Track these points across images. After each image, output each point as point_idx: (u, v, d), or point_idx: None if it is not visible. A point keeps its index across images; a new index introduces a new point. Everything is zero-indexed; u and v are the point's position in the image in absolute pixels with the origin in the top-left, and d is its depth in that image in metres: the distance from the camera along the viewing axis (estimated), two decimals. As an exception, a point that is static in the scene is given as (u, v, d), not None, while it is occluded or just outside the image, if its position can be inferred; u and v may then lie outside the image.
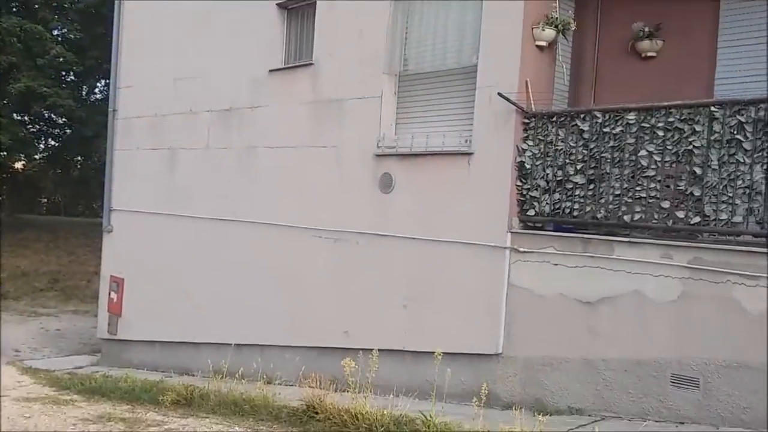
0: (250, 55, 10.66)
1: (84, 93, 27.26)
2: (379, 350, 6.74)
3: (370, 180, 8.96)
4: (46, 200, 31.43)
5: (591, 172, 6.97)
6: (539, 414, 5.75)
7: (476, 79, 7.89)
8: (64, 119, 26.04)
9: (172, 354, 11.29)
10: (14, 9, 23.90)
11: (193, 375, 9.96)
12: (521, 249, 7.33)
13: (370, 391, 6.60)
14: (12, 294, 19.15)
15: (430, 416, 5.92)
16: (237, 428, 6.79)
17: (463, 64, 8.21)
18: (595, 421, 6.48)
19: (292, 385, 8.52)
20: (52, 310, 18.05)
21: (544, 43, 7.66)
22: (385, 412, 6.27)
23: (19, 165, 27.09)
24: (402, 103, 9.09)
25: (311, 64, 9.89)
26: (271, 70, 10.40)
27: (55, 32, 24.92)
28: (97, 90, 27.52)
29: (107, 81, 22.54)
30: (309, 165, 9.81)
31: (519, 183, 7.48)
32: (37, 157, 26.77)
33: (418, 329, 8.26)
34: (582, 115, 7.14)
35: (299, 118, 9.99)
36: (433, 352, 6.29)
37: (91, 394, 9.12)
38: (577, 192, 7.05)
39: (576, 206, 7.05)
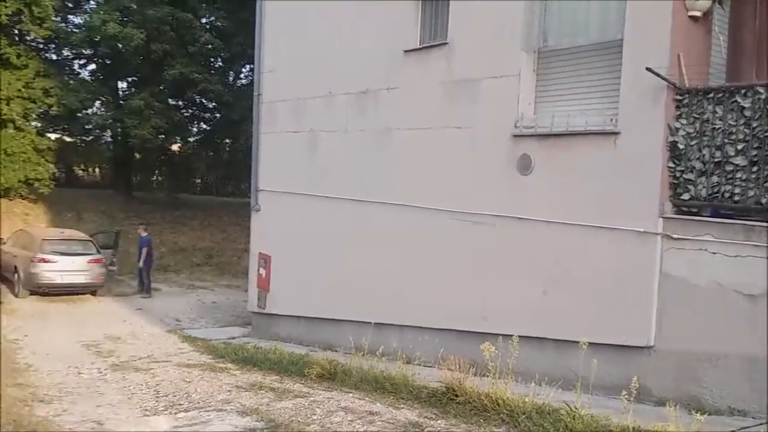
0: (386, 37, 10.73)
1: (231, 78, 28.78)
2: (518, 336, 6.64)
3: (508, 161, 8.77)
4: (199, 180, 33.55)
5: (754, 153, 6.39)
6: (696, 413, 5.42)
7: (622, 53, 7.45)
8: (214, 104, 27.73)
9: (316, 329, 11.82)
10: (166, -1, 25.67)
11: (336, 351, 10.36)
12: (675, 236, 6.88)
13: (511, 378, 6.54)
14: (173, 268, 20.89)
15: (575, 407, 5.76)
16: (378, 404, 6.99)
17: (607, 38, 7.78)
18: (761, 424, 6.01)
19: (430, 366, 8.62)
20: (207, 284, 19.50)
21: (698, 14, 7.08)
22: (526, 400, 6.19)
23: (175, 147, 29.15)
24: (541, 80, 8.79)
25: (445, 43, 9.81)
26: (406, 51, 10.43)
27: (204, 20, 26.40)
28: (242, 75, 29.01)
29: (252, 66, 23.78)
30: (444, 146, 9.77)
31: (671, 165, 7.00)
32: (191, 139, 28.77)
33: (559, 317, 8.03)
34: (743, 91, 6.55)
35: (434, 98, 9.96)
36: (577, 342, 6.10)
37: (243, 363, 9.80)
38: (739, 174, 6.50)
39: (737, 190, 6.50)
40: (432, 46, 10.13)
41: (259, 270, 13.03)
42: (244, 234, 18.93)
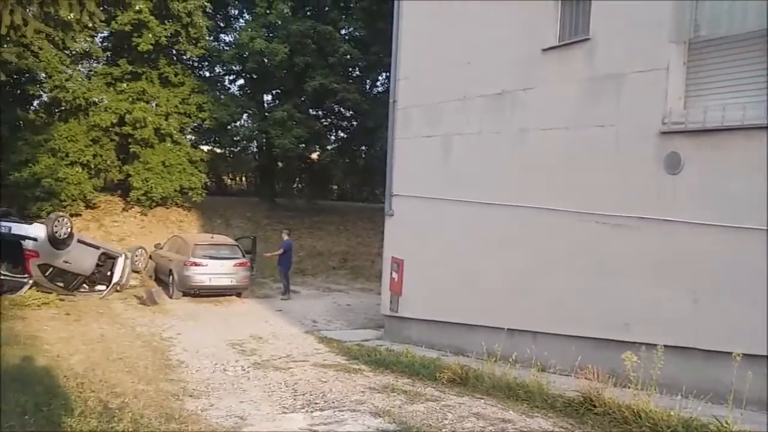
0: (522, 36, 10.50)
1: (367, 87, 29.48)
2: (663, 346, 6.18)
3: (654, 160, 8.23)
4: (336, 187, 34.66)
5: None
6: None
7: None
8: (351, 112, 28.55)
9: (447, 333, 11.73)
10: (308, 13, 26.74)
11: (467, 356, 10.22)
12: None
13: (654, 389, 6.11)
14: (310, 271, 21.71)
15: (727, 423, 5.26)
16: (511, 412, 6.79)
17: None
18: None
19: (566, 375, 8.26)
20: (342, 287, 20.07)
21: None
22: (671, 413, 5.74)
23: (314, 156, 30.30)
24: (692, 73, 8.17)
25: (587, 39, 9.40)
26: (544, 49, 10.13)
27: (343, 31, 27.28)
28: (378, 83, 29.66)
29: (388, 74, 24.22)
30: (583, 146, 9.37)
31: None
32: (329, 148, 29.79)
33: (709, 326, 7.40)
34: None
35: (573, 97, 9.59)
36: (729, 353, 5.57)
37: (376, 365, 9.92)
38: None
39: None
40: (572, 43, 9.76)
41: (391, 274, 13.17)
42: (377, 238, 19.27)
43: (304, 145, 26.66)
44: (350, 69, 28.17)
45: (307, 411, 7.07)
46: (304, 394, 7.92)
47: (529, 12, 10.44)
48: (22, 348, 9.20)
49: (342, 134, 30.83)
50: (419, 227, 12.65)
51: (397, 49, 13.56)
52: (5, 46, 6.65)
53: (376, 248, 20.34)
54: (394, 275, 13.03)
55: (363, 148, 30.34)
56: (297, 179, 31.44)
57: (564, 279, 9.49)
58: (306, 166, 30.34)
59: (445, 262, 11.88)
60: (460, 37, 11.79)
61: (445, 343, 11.53)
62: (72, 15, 6.66)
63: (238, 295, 17.13)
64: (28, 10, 6.04)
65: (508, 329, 9.85)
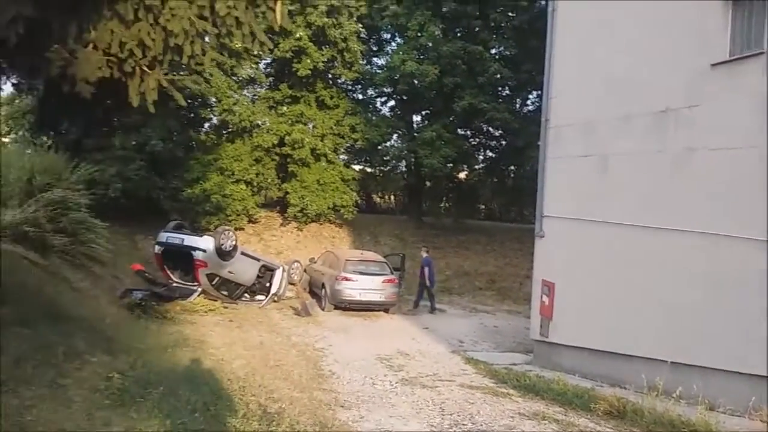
0: (687, 51, 9.86)
1: (517, 105, 29.03)
2: None
3: None
4: (483, 207, 34.31)
5: None
6: None
7: None
8: (500, 131, 28.23)
9: (602, 362, 11.13)
10: (458, 34, 26.92)
11: (624, 388, 9.62)
12: None
13: None
14: (456, 290, 21.61)
15: None
16: (676, 452, 6.29)
17: None
18: None
19: (738, 415, 7.52)
20: (489, 308, 19.76)
21: None
22: None
23: (462, 175, 30.25)
24: None
25: (762, 53, 8.62)
26: (713, 65, 9.42)
27: (493, 51, 27.14)
28: (529, 102, 29.10)
29: (539, 92, 23.69)
30: (761, 167, 8.53)
31: None
32: (477, 167, 29.63)
33: None
34: None
35: (747, 114, 8.79)
36: None
37: (525, 390, 9.63)
38: None
39: None
40: (746, 57, 9.01)
41: (542, 297, 12.76)
42: (526, 260, 18.80)
43: (451, 164, 26.72)
44: (500, 88, 27.89)
45: (455, 431, 6.99)
46: (451, 414, 7.86)
47: (694, 26, 9.78)
48: (191, 350, 9.95)
49: (490, 153, 30.52)
50: (572, 250, 12.17)
51: (549, 66, 13.24)
52: (182, 74, 7.35)
53: (525, 270, 19.84)
54: (545, 299, 12.61)
55: (512, 167, 29.83)
56: (444, 198, 31.51)
57: (737, 311, 8.66)
58: (453, 186, 30.36)
59: (600, 288, 11.32)
60: (618, 53, 11.28)
61: (600, 372, 10.94)
62: (243, 44, 7.17)
63: (386, 311, 17.43)
64: (206, 40, 6.57)
65: (671, 362, 9.16)
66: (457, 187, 30.48)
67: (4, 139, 27.68)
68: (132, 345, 8.28)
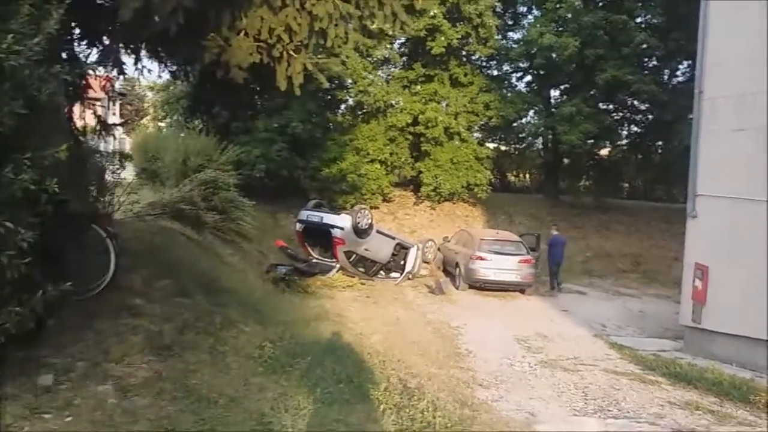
0: None
1: (665, 77, 27.14)
2: None
3: None
4: (627, 185, 32.58)
5: None
6: None
7: None
8: (646, 105, 26.58)
9: (762, 352, 10.22)
10: (600, 4, 25.54)
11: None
12: None
13: None
14: (597, 272, 20.74)
15: None
16: None
17: None
18: None
19: None
20: (633, 291, 18.78)
21: None
22: None
23: (603, 152, 28.84)
24: None
25: None
26: None
27: (639, 20, 25.50)
28: (678, 72, 27.07)
29: (690, 62, 21.95)
30: None
31: None
32: (620, 143, 28.14)
33: None
34: None
35: None
36: None
37: (675, 379, 9.06)
38: None
39: None
40: None
41: (693, 281, 11.89)
42: (674, 241, 17.67)
43: (592, 140, 25.58)
44: (646, 59, 26.17)
45: (599, 417, 6.75)
46: (595, 399, 7.57)
47: None
48: (331, 324, 10.31)
49: (635, 128, 28.82)
50: (728, 231, 11.22)
51: (704, 34, 12.17)
52: (320, 57, 7.53)
53: (673, 252, 18.60)
54: (697, 283, 11.75)
55: (659, 143, 28.03)
56: (584, 176, 30.25)
57: None
58: (594, 163, 29.06)
59: (761, 272, 10.34)
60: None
61: (760, 363, 10.05)
62: (385, 25, 7.21)
63: (522, 291, 17.09)
64: (349, 23, 6.66)
65: None
66: (598, 164, 29.15)
67: (160, 124, 30.15)
68: (278, 317, 8.71)
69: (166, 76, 8.90)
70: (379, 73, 25.74)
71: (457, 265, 17.56)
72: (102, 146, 9.95)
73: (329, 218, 15.70)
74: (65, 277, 4.75)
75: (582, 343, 11.93)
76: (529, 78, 28.74)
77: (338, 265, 15.48)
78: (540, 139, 28.22)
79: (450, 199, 25.03)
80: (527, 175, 35.48)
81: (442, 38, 23.03)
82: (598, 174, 29.24)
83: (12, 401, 4.02)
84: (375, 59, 25.05)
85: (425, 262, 18.38)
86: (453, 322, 12.80)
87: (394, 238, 16.87)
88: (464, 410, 6.20)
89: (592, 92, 24.96)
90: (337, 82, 24.53)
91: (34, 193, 3.78)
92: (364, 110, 25.19)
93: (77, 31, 7.09)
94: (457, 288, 17.08)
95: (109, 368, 4.88)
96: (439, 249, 19.61)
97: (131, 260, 8.15)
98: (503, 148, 30.24)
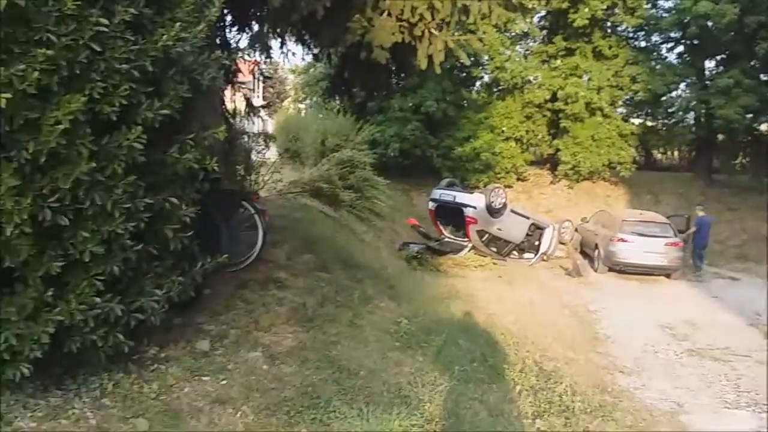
0: None
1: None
2: None
3: None
4: (792, 163, 29.62)
5: None
6: None
7: None
8: (813, 74, 23.90)
9: None
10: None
11: None
12: None
13: None
14: (754, 257, 19.03)
15: None
16: None
17: None
18: None
19: None
20: (791, 278, 17.07)
21: None
22: None
23: (764, 127, 26.34)
24: None
25: None
26: None
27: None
28: None
29: None
30: None
31: None
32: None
33: None
34: None
35: None
36: None
37: None
38: None
39: None
40: None
41: None
42: None
43: (751, 115, 23.39)
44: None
45: (753, 411, 6.25)
46: (748, 392, 7.02)
47: None
48: (464, 303, 10.31)
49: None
50: None
51: None
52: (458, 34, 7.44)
53: None
54: None
55: None
56: (740, 153, 27.78)
57: None
58: (752, 139, 26.55)
59: None
60: None
61: None
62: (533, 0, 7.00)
63: (668, 276, 16.10)
64: (494, -1, 6.52)
65: None
66: (757, 141, 26.58)
67: (299, 105, 31.42)
68: (412, 294, 8.85)
69: (308, 58, 9.23)
70: (517, 48, 25.11)
71: (596, 246, 16.86)
72: (248, 128, 10.58)
73: (462, 197, 15.61)
74: (219, 250, 5.13)
75: (734, 333, 11.02)
76: (680, 49, 26.68)
77: (470, 245, 15.38)
78: (692, 114, 26.15)
79: (589, 178, 24.04)
80: (676, 153, 33.15)
81: (586, 9, 22.04)
82: (757, 151, 26.68)
83: (173, 363, 4.40)
84: (513, 34, 24.45)
85: (561, 243, 17.80)
86: (591, 306, 12.34)
87: (528, 218, 16.48)
88: (604, 396, 6.00)
89: (752, 63, 22.79)
90: (473, 58, 24.23)
91: (194, 171, 4.09)
92: (500, 87, 24.76)
93: (229, 18, 7.54)
94: (595, 271, 16.41)
95: (258, 336, 5.21)
96: (576, 230, 18.90)
97: (275, 235, 8.63)
98: (649, 123, 28.43)
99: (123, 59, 3.44)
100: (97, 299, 3.60)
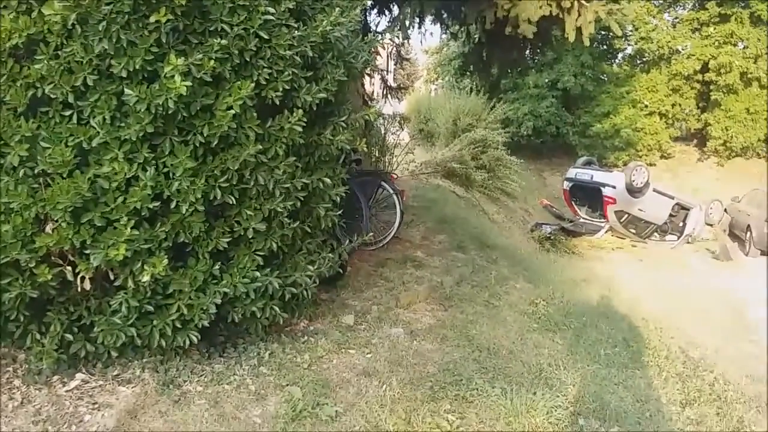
0: None
1: None
2: None
3: None
4: None
5: None
6: None
7: None
8: None
9: None
10: None
11: None
12: None
13: None
14: None
15: None
16: None
17: None
18: None
19: None
20: None
21: None
22: None
23: None
24: None
25: None
26: None
27: None
28: None
29: None
30: None
31: None
32: None
33: None
34: None
35: None
36: None
37: None
38: None
39: None
40: None
41: None
42: None
43: None
44: None
45: None
46: None
47: None
48: (601, 286, 9.97)
49: None
50: None
51: None
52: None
53: None
54: None
55: None
56: None
57: None
58: None
59: None
60: None
61: None
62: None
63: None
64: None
65: None
66: None
67: (431, 86, 31.41)
68: (547, 276, 8.68)
69: (444, 38, 9.23)
70: (665, 16, 23.57)
71: (748, 228, 15.64)
72: (382, 109, 10.79)
73: (600, 176, 15.01)
74: (362, 229, 5.32)
75: None
76: None
77: (607, 226, 14.80)
78: None
79: (742, 155, 22.24)
80: None
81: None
82: None
83: (322, 336, 4.65)
84: (660, 1, 22.99)
85: (708, 225, 16.67)
86: (741, 292, 11.49)
87: (672, 198, 15.55)
88: (760, 387, 5.60)
89: None
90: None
91: (345, 152, 4.28)
92: (645, 59, 23.42)
93: (369, 2, 7.71)
94: (746, 254, 15.24)
95: (399, 313, 5.36)
96: (726, 210, 17.59)
97: (410, 215, 8.79)
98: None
99: (287, 46, 3.64)
100: (258, 273, 3.87)
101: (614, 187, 14.36)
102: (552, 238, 13.73)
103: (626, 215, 14.70)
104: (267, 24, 3.56)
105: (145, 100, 3.26)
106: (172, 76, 3.19)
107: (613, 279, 11.01)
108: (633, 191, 14.33)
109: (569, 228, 14.87)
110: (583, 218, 15.64)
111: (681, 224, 15.57)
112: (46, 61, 3.29)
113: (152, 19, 3.26)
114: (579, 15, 6.57)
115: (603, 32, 22.47)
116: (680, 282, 11.74)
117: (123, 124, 3.35)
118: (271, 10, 3.56)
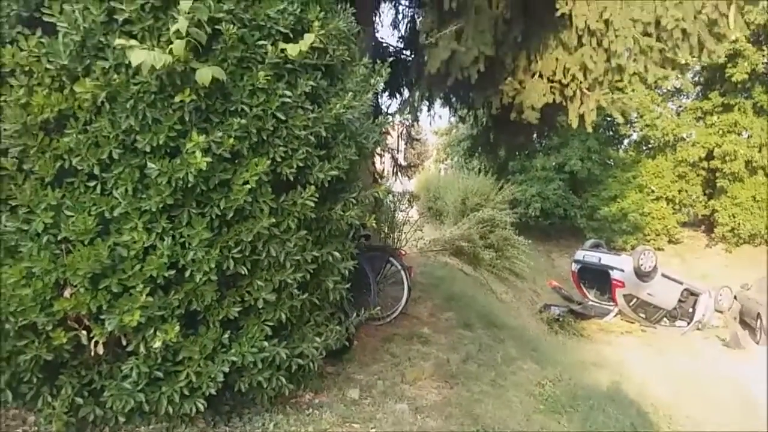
0: None
1: None
2: None
3: None
4: None
5: None
6: None
7: None
8: None
9: None
10: None
11: None
12: None
13: None
14: None
15: None
16: None
17: None
18: None
19: None
20: None
21: None
22: None
23: None
24: None
25: None
26: None
27: None
28: None
29: None
30: None
31: None
32: None
33: None
34: None
35: None
36: None
37: None
38: None
39: None
40: None
41: None
42: None
43: None
44: None
45: None
46: None
47: None
48: (610, 371, 9.85)
49: None
50: None
51: None
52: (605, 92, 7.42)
53: None
54: None
55: None
56: None
57: None
58: None
59: None
60: None
61: None
62: (689, 56, 6.88)
63: None
64: (649, 56, 6.47)
65: None
66: None
67: (441, 165, 31.97)
68: (555, 357, 8.62)
69: (453, 120, 9.58)
70: (669, 104, 24.22)
71: (758, 316, 15.45)
72: (392, 187, 11.03)
73: (608, 259, 15.05)
74: (369, 303, 5.40)
75: None
76: None
77: (616, 309, 14.72)
78: None
79: (751, 242, 22.23)
80: None
81: (746, 64, 20.92)
82: None
83: (327, 409, 4.65)
84: (664, 91, 23.66)
85: (718, 311, 16.51)
86: (752, 380, 11.29)
87: (681, 283, 15.50)
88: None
89: None
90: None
91: (354, 228, 4.42)
92: (650, 145, 23.87)
93: (381, 85, 8.06)
94: (757, 343, 15.00)
95: (404, 389, 5.36)
96: (735, 297, 17.47)
97: (417, 292, 8.84)
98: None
99: (302, 126, 3.85)
100: (266, 343, 3.94)
101: (622, 271, 14.37)
102: (561, 319, 13.63)
103: (635, 299, 14.64)
104: (284, 106, 3.78)
105: (167, 174, 3.44)
106: (194, 152, 3.40)
107: (622, 363, 10.87)
108: (641, 275, 14.32)
109: (578, 310, 14.77)
110: (592, 301, 15.57)
111: (690, 310, 15.45)
112: (75, 135, 3.50)
113: (177, 98, 3.49)
114: (581, 103, 6.84)
115: (609, 118, 23.12)
116: (690, 368, 11.58)
117: (144, 196, 3.52)
118: (288, 93, 3.79)
